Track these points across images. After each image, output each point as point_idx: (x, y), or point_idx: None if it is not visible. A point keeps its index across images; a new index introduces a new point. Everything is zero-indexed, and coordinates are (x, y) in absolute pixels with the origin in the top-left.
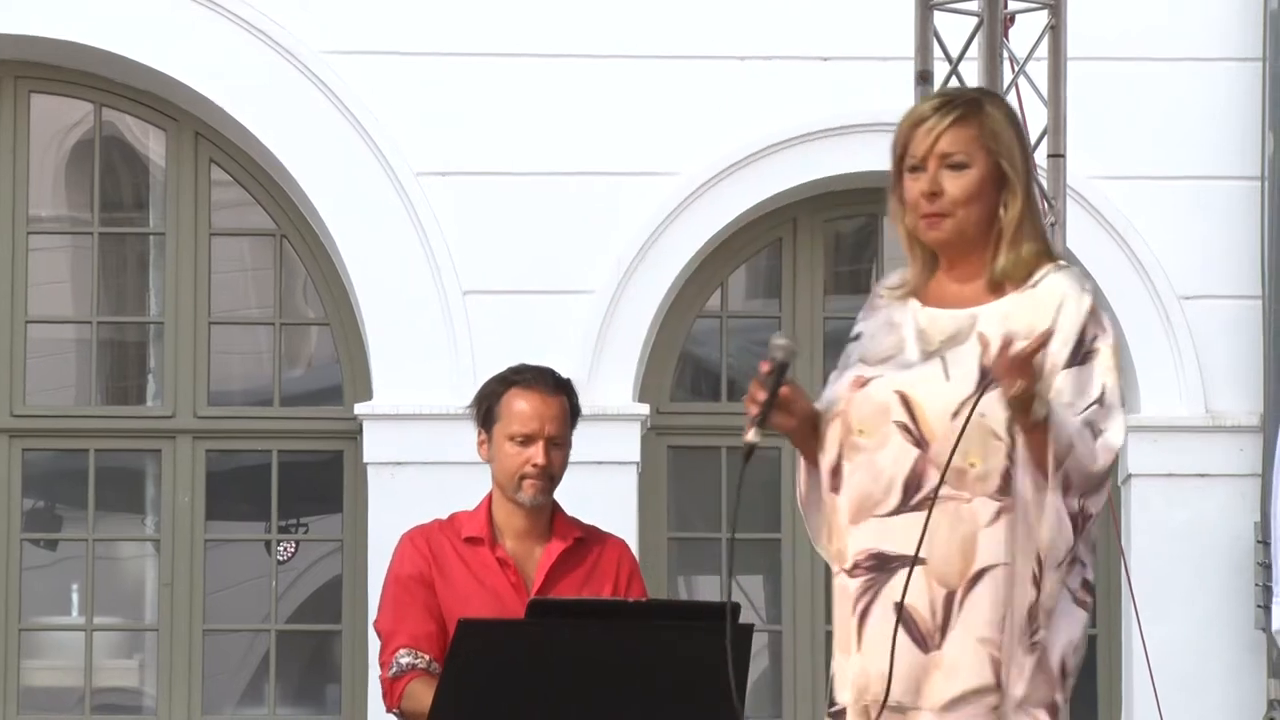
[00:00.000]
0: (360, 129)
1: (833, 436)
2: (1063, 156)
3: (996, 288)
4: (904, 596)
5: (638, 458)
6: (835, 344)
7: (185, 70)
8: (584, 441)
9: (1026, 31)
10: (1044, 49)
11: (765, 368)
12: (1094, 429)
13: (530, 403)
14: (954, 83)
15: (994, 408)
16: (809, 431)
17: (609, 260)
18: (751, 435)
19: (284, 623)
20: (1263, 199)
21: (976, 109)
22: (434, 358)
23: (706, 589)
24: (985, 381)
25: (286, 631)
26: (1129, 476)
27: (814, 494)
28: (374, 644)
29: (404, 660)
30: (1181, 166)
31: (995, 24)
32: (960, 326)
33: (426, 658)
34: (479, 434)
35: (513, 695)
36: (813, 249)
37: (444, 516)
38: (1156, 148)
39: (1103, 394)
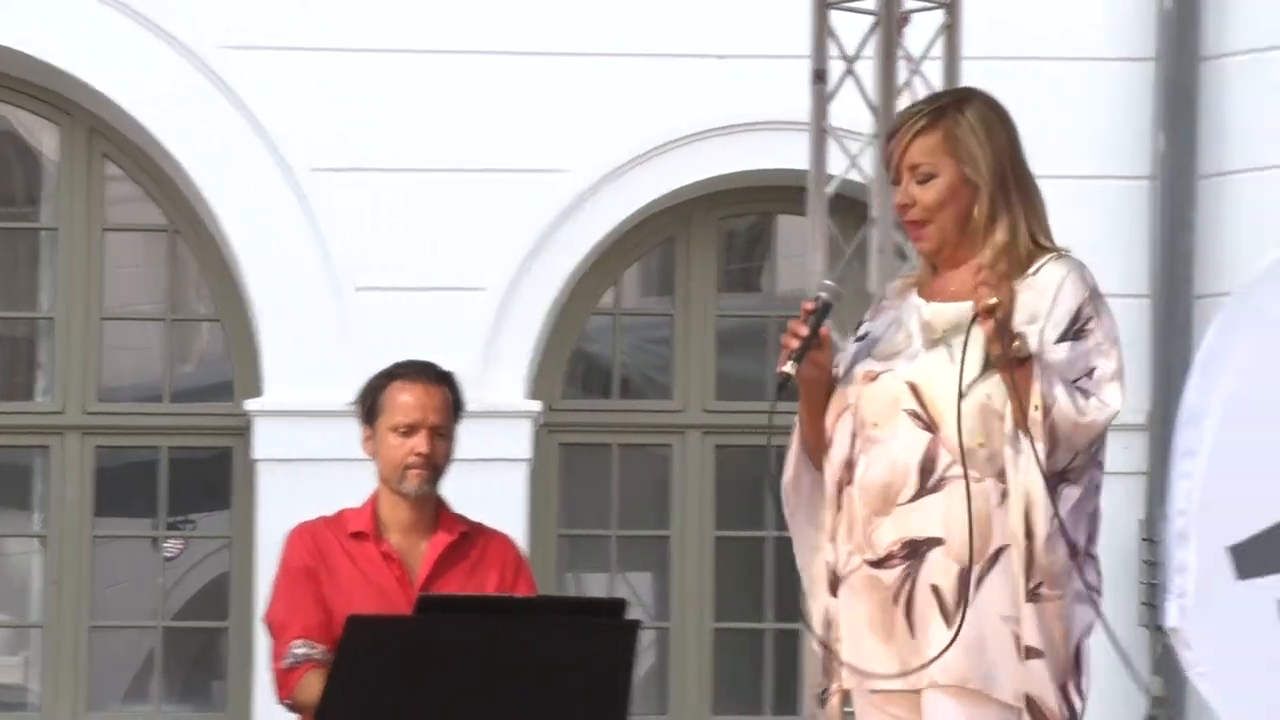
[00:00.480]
0: (254, 124)
1: (844, 428)
2: None
3: None
4: (930, 578)
5: (529, 455)
6: (728, 342)
7: (79, 65)
8: (475, 438)
9: (922, 31)
10: (939, 48)
11: (809, 306)
12: (1085, 392)
13: (412, 394)
14: (849, 82)
15: (998, 389)
16: (825, 391)
17: (502, 257)
18: (788, 367)
19: (171, 619)
20: (1153, 198)
21: (941, 115)
22: (326, 354)
23: (596, 586)
24: (990, 365)
25: (173, 628)
26: None
27: (808, 493)
28: (261, 641)
29: (299, 651)
30: (1073, 165)
31: (891, 23)
32: (963, 316)
33: (321, 648)
34: (364, 430)
35: (401, 691)
36: (706, 247)
37: (331, 513)
38: (1049, 146)
39: (1095, 369)
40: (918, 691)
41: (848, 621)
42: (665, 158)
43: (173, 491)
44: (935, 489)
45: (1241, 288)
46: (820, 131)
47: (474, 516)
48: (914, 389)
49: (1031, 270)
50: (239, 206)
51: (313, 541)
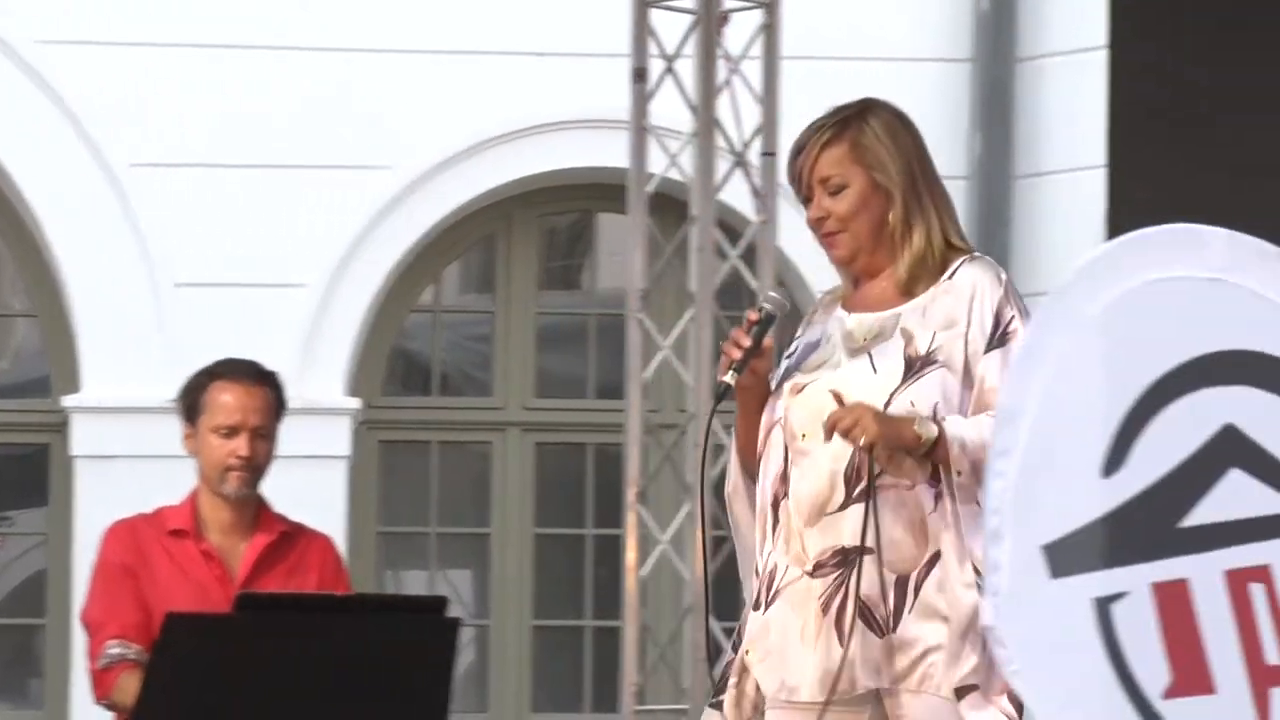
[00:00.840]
0: (72, 119)
1: (777, 442)
2: (775, 155)
3: (912, 285)
4: (859, 588)
5: (348, 452)
6: (548, 339)
7: None
8: (295, 436)
9: (742, 30)
10: (759, 48)
11: (754, 317)
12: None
13: (234, 395)
14: (668, 81)
15: (924, 396)
16: (761, 400)
17: (322, 254)
18: (729, 377)
19: None
20: (970, 198)
21: (845, 126)
22: (144, 351)
23: (415, 583)
24: (911, 372)
25: None
26: None
27: (749, 504)
28: (79, 639)
29: (114, 651)
30: None
31: (711, 22)
32: (884, 325)
33: (136, 648)
34: (185, 427)
35: (220, 689)
36: (527, 244)
37: (150, 510)
38: None
39: None
40: (857, 700)
41: (778, 634)
42: (485, 155)
43: None
44: (862, 497)
45: (1057, 288)
46: (640, 130)
47: (293, 513)
48: (837, 398)
49: (947, 274)
50: (56, 202)
51: (131, 539)
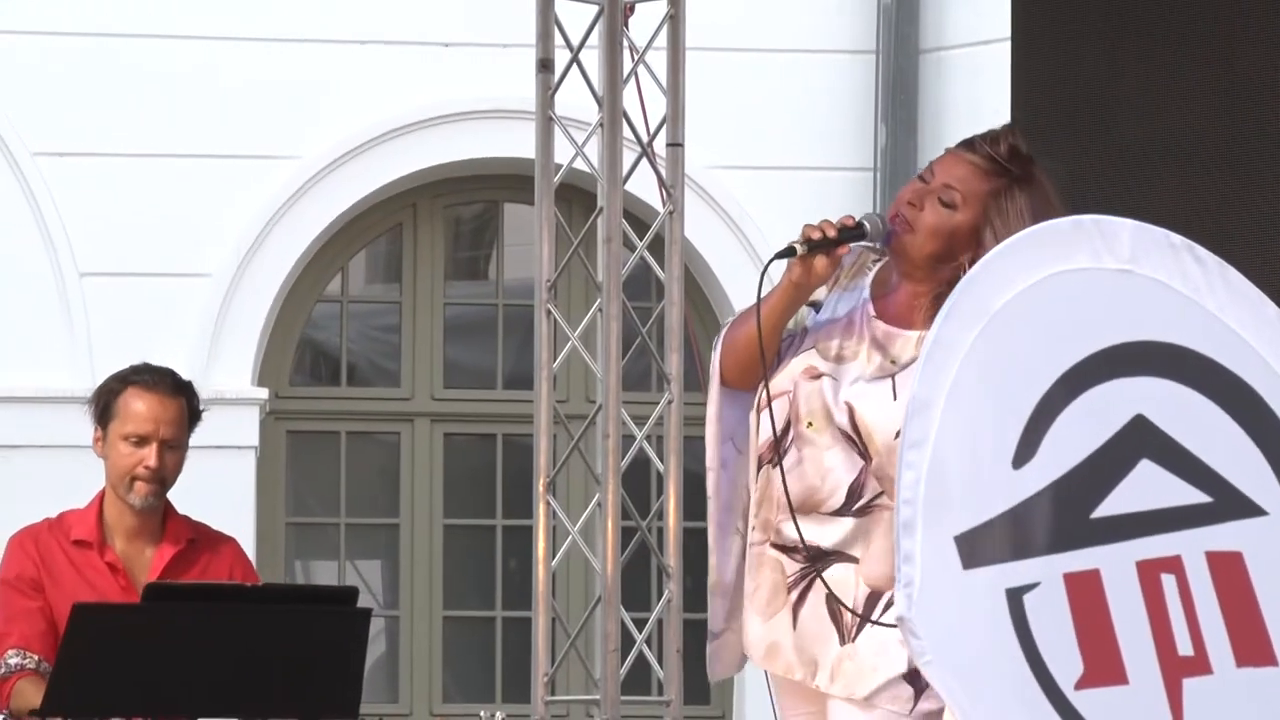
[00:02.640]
0: None
1: (779, 412)
2: (681, 146)
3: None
4: (826, 585)
5: (256, 442)
6: (455, 329)
7: None
8: (202, 426)
9: (646, 21)
10: (663, 38)
11: (850, 221)
12: None
13: (147, 404)
14: (574, 71)
15: None
16: (797, 304)
17: (228, 243)
18: (798, 247)
19: None
20: (875, 190)
21: (1005, 173)
22: (50, 340)
23: (324, 574)
24: None
25: None
26: None
27: (733, 401)
28: None
29: (12, 660)
30: (798, 157)
31: (615, 13)
32: (913, 353)
33: (35, 658)
34: (95, 430)
35: (128, 680)
36: (433, 234)
37: (54, 511)
38: (773, 139)
39: None
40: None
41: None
42: (391, 145)
43: None
44: (860, 514)
45: (964, 280)
46: (546, 120)
47: (201, 504)
48: (852, 414)
49: None
50: None
51: (35, 548)
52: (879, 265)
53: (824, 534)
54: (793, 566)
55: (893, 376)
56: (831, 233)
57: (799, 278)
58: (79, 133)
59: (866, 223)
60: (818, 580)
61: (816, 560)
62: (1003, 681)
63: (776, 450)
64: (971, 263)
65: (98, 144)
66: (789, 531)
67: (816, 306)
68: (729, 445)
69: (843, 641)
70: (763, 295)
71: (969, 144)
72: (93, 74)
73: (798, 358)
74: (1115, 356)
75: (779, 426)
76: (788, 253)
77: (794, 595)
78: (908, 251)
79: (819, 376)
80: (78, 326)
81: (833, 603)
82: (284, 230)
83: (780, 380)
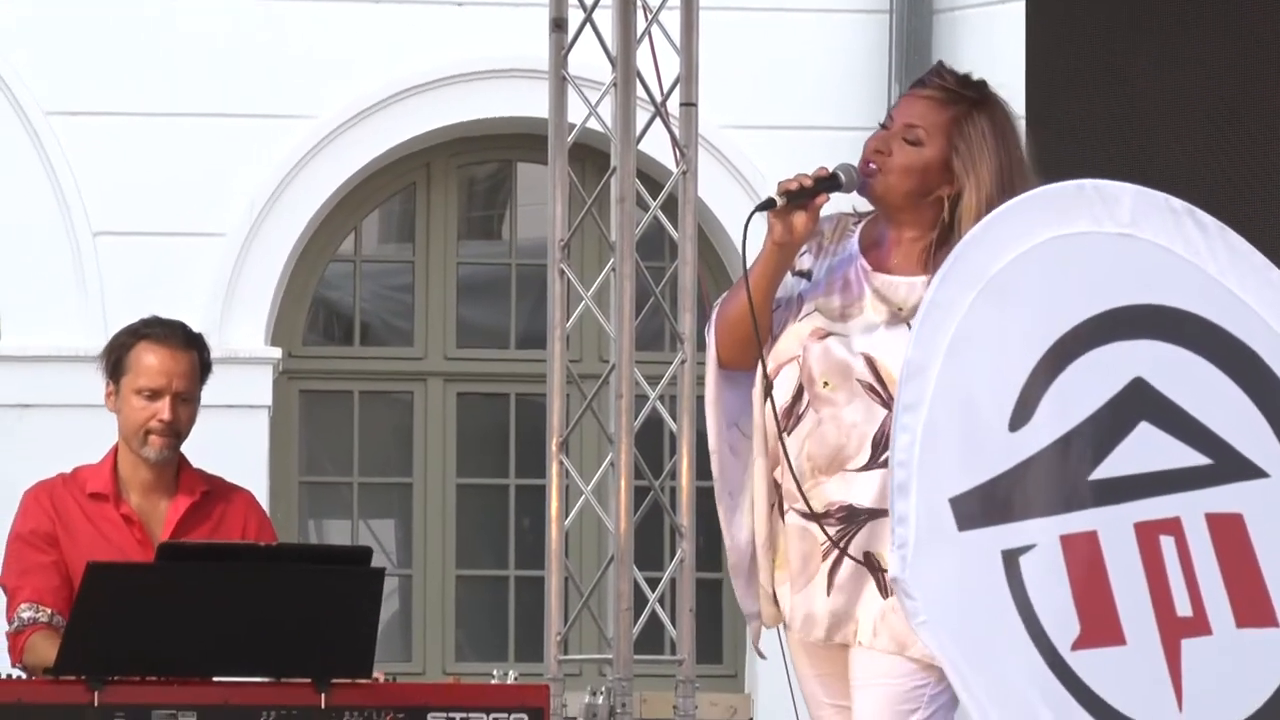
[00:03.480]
0: None
1: (789, 377)
2: (695, 105)
3: (940, 256)
4: (864, 544)
5: (269, 401)
6: (468, 289)
7: None
8: (215, 385)
9: None
10: None
11: (824, 171)
12: None
13: (159, 357)
14: (587, 31)
15: None
16: (783, 266)
17: (242, 203)
18: (777, 199)
19: None
20: None
21: (961, 99)
22: (63, 299)
23: (337, 533)
24: None
25: None
26: None
27: (732, 400)
28: None
29: (25, 615)
30: (812, 117)
31: None
32: (915, 293)
33: (49, 611)
34: (107, 384)
35: (142, 639)
36: (446, 194)
37: (69, 467)
38: (787, 98)
39: None
40: (845, 647)
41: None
42: (405, 104)
43: None
44: (886, 464)
45: (961, 243)
46: (560, 80)
47: (215, 463)
48: (871, 363)
49: None
50: None
51: (50, 503)
52: (861, 225)
53: (857, 492)
54: (823, 534)
55: (907, 322)
56: (808, 183)
57: (780, 236)
58: (92, 92)
59: (840, 172)
60: (850, 546)
61: (850, 522)
62: (998, 642)
63: (790, 418)
64: (950, 196)
65: (111, 103)
66: (820, 496)
67: (807, 276)
68: (734, 430)
69: (885, 596)
70: (749, 265)
71: (920, 83)
72: (106, 34)
73: (800, 322)
74: (1114, 320)
75: (791, 392)
76: (767, 204)
77: (828, 562)
78: (885, 196)
79: (827, 336)
80: (91, 286)
81: (871, 560)
82: (297, 190)
83: (788, 344)
